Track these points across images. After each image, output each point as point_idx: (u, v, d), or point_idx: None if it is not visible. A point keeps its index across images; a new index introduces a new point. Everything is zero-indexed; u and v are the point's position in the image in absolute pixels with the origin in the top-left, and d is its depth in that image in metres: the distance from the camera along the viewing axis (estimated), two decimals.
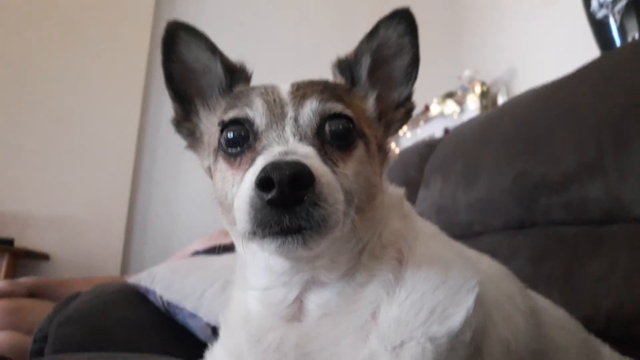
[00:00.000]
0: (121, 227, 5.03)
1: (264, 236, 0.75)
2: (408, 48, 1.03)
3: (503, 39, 4.79)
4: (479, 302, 0.85)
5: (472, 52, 5.37)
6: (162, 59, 1.05)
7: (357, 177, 0.86)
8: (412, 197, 0.96)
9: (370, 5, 5.40)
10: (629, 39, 2.92)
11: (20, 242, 4.50)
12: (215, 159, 0.94)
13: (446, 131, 4.37)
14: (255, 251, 0.90)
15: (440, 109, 4.72)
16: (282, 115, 0.88)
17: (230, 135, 0.91)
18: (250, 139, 0.89)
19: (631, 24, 2.91)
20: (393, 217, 0.98)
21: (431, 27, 5.86)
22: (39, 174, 4.84)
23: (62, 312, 1.90)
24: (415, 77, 1.05)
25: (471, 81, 4.61)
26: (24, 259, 4.66)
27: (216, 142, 0.94)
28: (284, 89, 0.94)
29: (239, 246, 0.96)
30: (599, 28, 3.19)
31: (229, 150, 0.90)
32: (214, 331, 1.70)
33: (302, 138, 0.85)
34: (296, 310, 0.90)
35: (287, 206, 0.72)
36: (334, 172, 0.81)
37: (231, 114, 0.92)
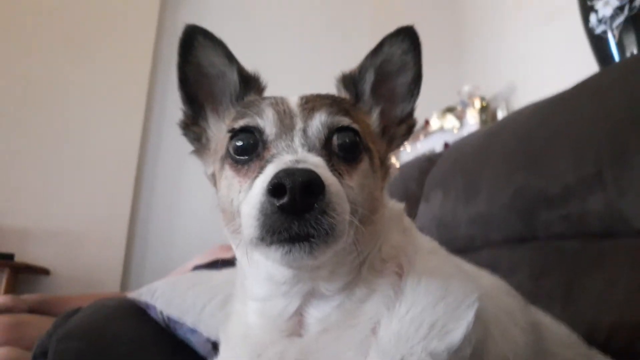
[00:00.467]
0: (122, 242, 5.02)
1: (271, 243, 0.76)
2: (411, 65, 1.05)
3: (502, 54, 4.82)
4: (479, 317, 0.85)
5: (471, 67, 5.41)
6: (178, 60, 1.07)
7: (362, 189, 0.88)
8: (412, 211, 0.96)
9: (372, 21, 5.46)
10: (628, 54, 2.94)
11: (21, 257, 4.50)
12: (222, 166, 0.95)
13: (446, 145, 4.38)
14: (257, 260, 0.90)
15: (440, 124, 4.74)
16: (292, 126, 0.90)
17: (239, 142, 0.92)
18: (259, 147, 0.90)
19: (630, 39, 2.93)
20: (393, 231, 0.98)
21: (431, 42, 5.89)
22: (39, 188, 4.84)
23: (62, 328, 1.90)
24: (418, 94, 1.07)
25: (471, 96, 4.63)
26: (24, 274, 4.65)
27: (224, 149, 0.95)
28: (293, 101, 0.96)
29: (240, 255, 0.97)
30: (598, 44, 3.20)
31: (237, 157, 0.91)
32: (214, 346, 1.70)
33: (310, 149, 0.86)
34: (296, 324, 0.90)
35: (298, 213, 0.73)
36: (340, 183, 0.82)
37: (242, 122, 0.93)
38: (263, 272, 0.92)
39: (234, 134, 0.93)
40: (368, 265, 0.92)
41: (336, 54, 4.76)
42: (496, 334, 0.95)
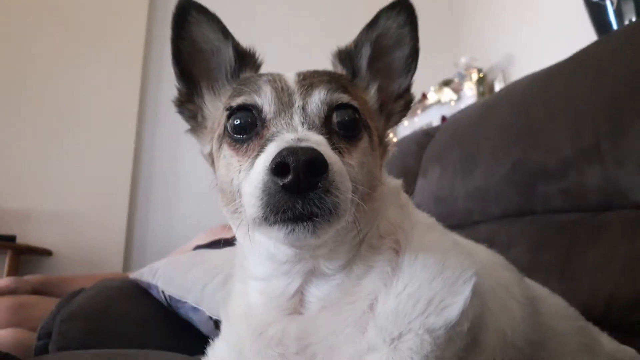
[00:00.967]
0: (122, 222, 5.05)
1: (274, 222, 0.75)
2: (408, 39, 1.03)
3: (499, 24, 4.76)
4: (476, 292, 0.85)
5: (468, 38, 5.35)
6: (171, 35, 1.04)
7: (361, 167, 0.87)
8: (410, 186, 0.96)
9: None
10: (626, 21, 2.91)
11: (23, 239, 4.52)
12: (220, 145, 0.94)
13: (443, 119, 4.37)
14: (259, 239, 0.89)
15: (438, 97, 4.71)
16: (290, 104, 0.88)
17: (237, 121, 0.90)
18: (258, 125, 0.89)
19: (628, 6, 2.90)
20: (390, 207, 0.98)
21: (427, 15, 5.81)
22: (40, 170, 4.84)
23: (65, 309, 1.92)
24: (415, 68, 1.05)
25: (468, 68, 4.59)
26: (26, 255, 4.67)
27: (222, 127, 0.94)
28: (290, 78, 0.94)
29: (240, 235, 0.96)
30: (596, 11, 3.17)
31: (236, 136, 0.90)
32: (217, 324, 1.72)
33: (310, 127, 0.85)
34: (297, 303, 0.91)
35: (301, 192, 0.73)
36: (341, 161, 0.81)
37: (239, 100, 0.91)
38: (264, 251, 0.91)
39: (232, 112, 0.92)
40: (367, 243, 0.91)
41: (332, 29, 4.70)
42: (494, 308, 0.95)
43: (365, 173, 0.88)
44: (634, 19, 2.85)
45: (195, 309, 1.86)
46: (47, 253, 4.74)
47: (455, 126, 2.43)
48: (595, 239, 1.52)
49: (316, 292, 0.90)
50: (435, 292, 0.84)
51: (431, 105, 4.77)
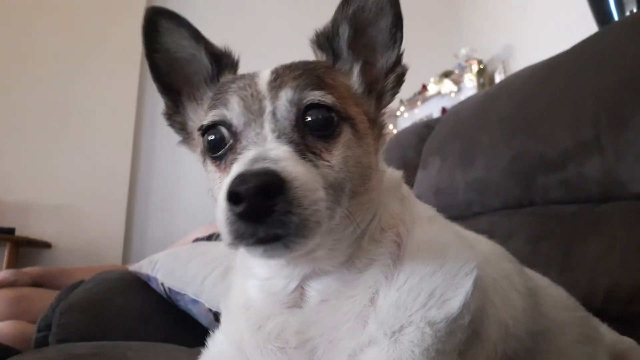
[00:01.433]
0: (122, 215, 5.06)
1: (244, 245, 0.74)
2: (388, 8, 0.94)
3: (500, 15, 4.74)
4: (477, 285, 0.85)
5: (468, 30, 5.33)
6: (144, 49, 1.00)
7: (346, 163, 0.83)
8: (410, 178, 0.95)
9: None
10: (627, 12, 2.89)
11: (22, 231, 4.52)
12: (204, 160, 0.92)
13: (444, 111, 4.36)
14: None
15: (438, 89, 4.69)
16: (261, 111, 0.84)
17: (211, 137, 0.88)
18: (231, 140, 0.86)
19: None
20: (391, 200, 0.96)
21: (427, 6, 5.82)
22: (38, 163, 4.85)
23: (65, 301, 1.92)
24: (401, 38, 0.96)
25: (468, 59, 4.58)
26: (25, 248, 4.69)
27: (201, 143, 0.91)
28: (264, 78, 0.89)
29: None
30: (597, 2, 3.15)
31: (213, 154, 0.88)
32: (216, 317, 1.72)
33: (280, 134, 0.81)
34: (297, 297, 0.90)
35: (257, 218, 0.71)
36: (316, 166, 0.79)
37: (209, 117, 0.88)
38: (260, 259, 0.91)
39: (204, 130, 0.89)
40: (369, 236, 0.90)
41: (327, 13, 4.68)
42: (495, 300, 0.95)
43: (351, 167, 0.84)
44: (635, 10, 2.84)
45: (194, 301, 1.86)
46: (47, 245, 4.75)
47: (456, 118, 2.43)
48: (595, 230, 1.52)
49: (317, 286, 0.89)
50: (436, 285, 0.83)
51: (431, 96, 4.76)
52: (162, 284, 1.96)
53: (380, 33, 0.96)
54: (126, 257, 4.89)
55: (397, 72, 0.98)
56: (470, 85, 4.49)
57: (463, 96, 4.26)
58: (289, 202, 0.71)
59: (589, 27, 3.11)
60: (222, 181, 0.82)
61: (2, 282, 2.66)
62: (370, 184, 0.89)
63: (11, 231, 4.46)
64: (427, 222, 0.96)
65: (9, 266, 4.27)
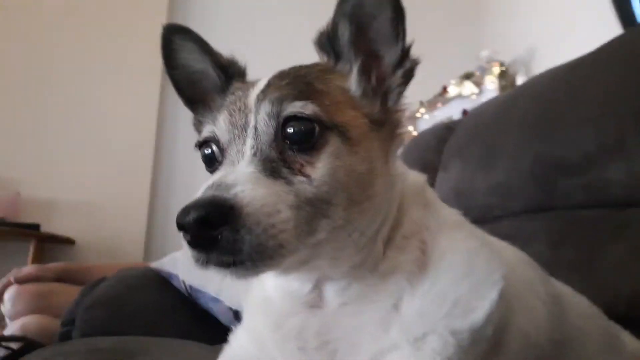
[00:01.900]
0: (143, 212, 5.14)
1: (208, 269, 0.75)
2: (386, 1, 0.90)
3: (522, 17, 4.69)
4: (503, 295, 0.84)
5: (490, 31, 5.28)
6: (164, 67, 1.04)
7: (333, 174, 0.80)
8: (430, 181, 0.94)
9: None
10: None
11: (46, 228, 4.63)
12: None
13: (464, 113, 4.32)
14: None
15: (458, 91, 4.66)
16: (245, 126, 0.84)
17: (206, 151, 0.90)
18: (221, 156, 0.87)
19: None
20: (413, 206, 0.94)
21: (448, 6, 5.79)
22: (63, 161, 4.96)
23: (89, 296, 1.96)
24: (404, 32, 0.91)
25: (489, 61, 4.54)
26: (49, 244, 4.79)
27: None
28: (256, 90, 0.88)
29: None
30: (621, 4, 3.11)
31: (208, 168, 0.90)
32: (236, 315, 1.74)
33: (256, 151, 0.81)
34: (316, 297, 0.90)
35: (205, 247, 0.72)
36: (289, 182, 0.78)
37: (203, 133, 0.91)
38: None
39: (200, 146, 0.92)
40: (391, 244, 0.89)
41: None
42: (518, 309, 0.93)
43: (343, 175, 0.81)
44: None
45: (215, 299, 1.88)
46: (70, 242, 4.85)
47: (477, 120, 2.41)
48: (618, 235, 1.50)
49: (334, 289, 0.89)
50: (461, 294, 0.83)
51: (452, 98, 4.72)
52: (183, 282, 1.98)
53: (383, 27, 0.92)
54: (147, 254, 4.97)
55: (405, 67, 0.94)
56: (491, 87, 4.45)
57: (484, 98, 4.21)
58: (235, 230, 0.71)
59: (613, 29, 3.06)
60: None
61: (28, 277, 2.71)
62: (373, 190, 0.86)
63: (36, 227, 4.56)
64: (452, 228, 0.94)
65: (34, 261, 4.37)
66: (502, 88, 4.38)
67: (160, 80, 5.32)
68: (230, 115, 0.87)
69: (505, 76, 4.45)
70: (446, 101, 4.79)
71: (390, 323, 0.83)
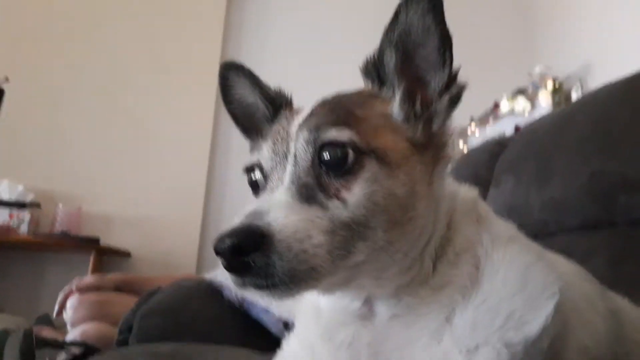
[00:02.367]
0: (197, 226, 5.29)
1: (246, 291, 0.79)
2: (433, 28, 0.89)
3: (576, 31, 4.58)
4: (559, 309, 0.82)
5: (543, 46, 5.18)
6: (223, 101, 1.13)
7: (370, 198, 0.82)
8: (481, 196, 0.94)
9: None
10: None
11: (105, 241, 4.82)
12: None
13: (517, 129, 4.24)
14: None
15: (511, 107, 4.58)
16: (286, 153, 0.88)
17: (252, 178, 0.95)
18: (265, 182, 0.91)
19: None
20: (464, 223, 0.94)
21: (500, 22, 5.72)
22: (122, 178, 5.19)
23: (145, 305, 2.03)
24: (451, 58, 0.91)
25: (543, 77, 4.45)
26: (108, 256, 4.98)
27: None
28: (301, 117, 0.92)
29: None
30: None
31: (255, 192, 0.94)
32: (286, 325, 1.76)
33: (294, 178, 0.84)
34: (366, 311, 0.91)
35: (240, 272, 0.76)
36: (325, 208, 0.80)
37: (250, 160, 0.95)
38: None
39: (247, 172, 0.96)
40: (440, 259, 0.89)
41: None
42: (576, 324, 0.91)
43: (382, 198, 0.82)
44: None
45: (266, 311, 1.92)
46: (126, 254, 5.03)
47: (531, 136, 2.37)
48: None
49: (384, 303, 0.89)
50: (515, 307, 0.82)
51: (504, 115, 4.65)
52: (235, 293, 2.03)
53: (430, 54, 0.93)
54: (200, 266, 5.09)
55: (452, 93, 0.94)
56: (544, 104, 4.35)
57: (537, 114, 4.12)
58: (267, 256, 0.74)
59: None
60: None
61: (88, 286, 2.82)
62: (416, 212, 0.87)
63: (96, 240, 4.76)
64: (507, 242, 0.93)
65: (93, 272, 4.55)
66: (555, 104, 4.28)
67: (214, 101, 5.50)
68: (274, 143, 0.90)
69: (559, 92, 4.35)
70: (497, 117, 4.72)
71: (443, 335, 0.83)
